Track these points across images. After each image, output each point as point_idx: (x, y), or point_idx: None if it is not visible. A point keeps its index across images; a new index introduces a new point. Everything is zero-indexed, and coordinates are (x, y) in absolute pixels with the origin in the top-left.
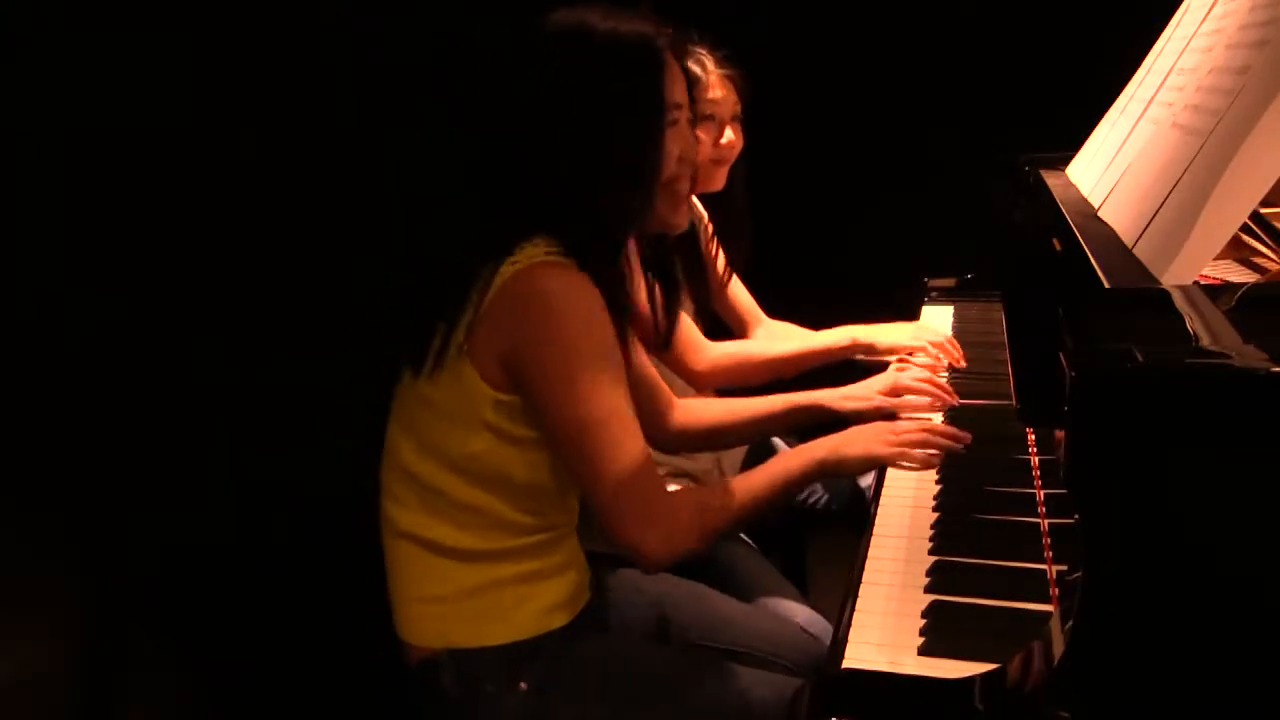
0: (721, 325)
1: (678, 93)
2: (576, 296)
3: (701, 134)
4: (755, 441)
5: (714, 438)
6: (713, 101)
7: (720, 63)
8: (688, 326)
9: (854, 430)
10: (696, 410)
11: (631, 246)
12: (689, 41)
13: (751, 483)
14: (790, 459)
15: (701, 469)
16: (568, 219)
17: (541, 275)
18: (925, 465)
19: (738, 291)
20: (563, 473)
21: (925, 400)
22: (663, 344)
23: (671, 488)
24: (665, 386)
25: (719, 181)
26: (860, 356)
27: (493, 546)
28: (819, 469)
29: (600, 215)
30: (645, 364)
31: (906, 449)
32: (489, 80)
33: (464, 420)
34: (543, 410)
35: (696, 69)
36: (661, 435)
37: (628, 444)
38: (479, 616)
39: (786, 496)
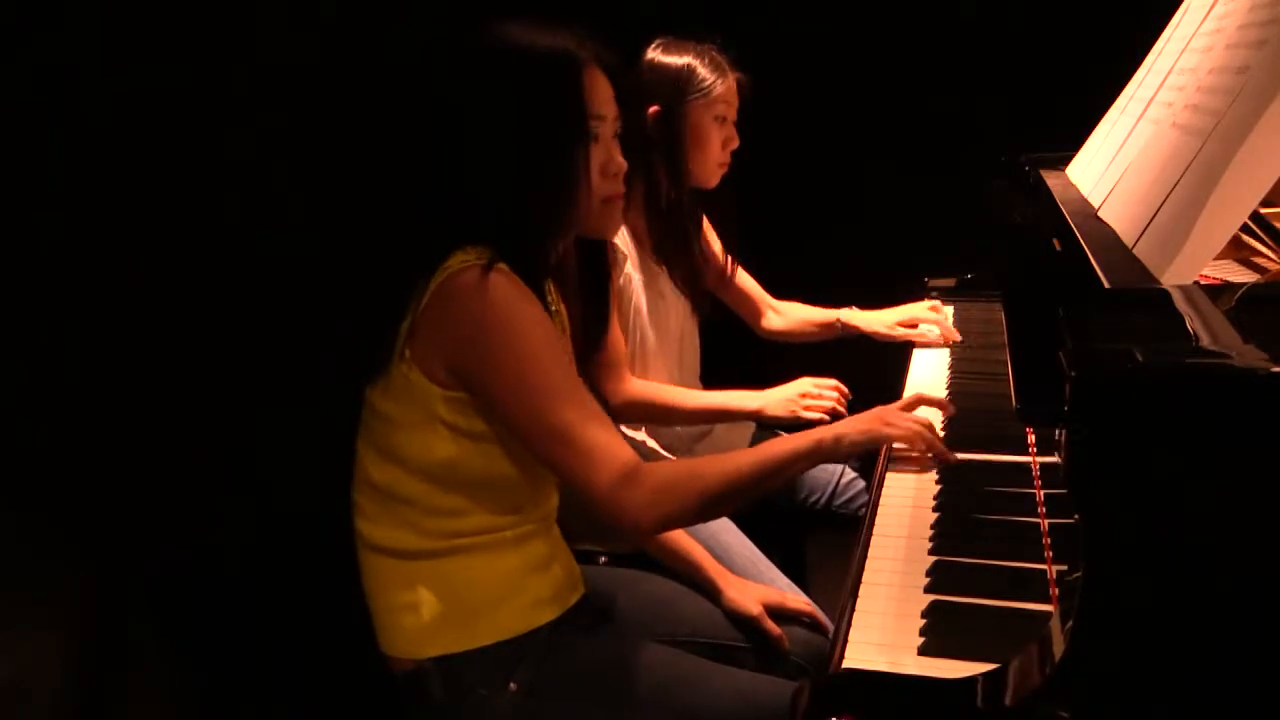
0: (729, 314)
1: (599, 105)
2: (506, 295)
3: (717, 135)
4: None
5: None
6: (730, 104)
7: (732, 66)
8: (617, 353)
9: (854, 416)
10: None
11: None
12: (707, 40)
13: (747, 458)
14: (788, 440)
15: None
16: (493, 230)
17: (470, 278)
18: (920, 454)
19: (744, 280)
20: (531, 465)
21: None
22: (580, 360)
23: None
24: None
25: (715, 180)
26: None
27: (466, 544)
28: (816, 449)
29: (522, 226)
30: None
31: (907, 432)
32: (418, 92)
33: (420, 425)
34: (504, 415)
35: (716, 75)
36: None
37: (596, 435)
38: (460, 618)
39: (782, 476)
